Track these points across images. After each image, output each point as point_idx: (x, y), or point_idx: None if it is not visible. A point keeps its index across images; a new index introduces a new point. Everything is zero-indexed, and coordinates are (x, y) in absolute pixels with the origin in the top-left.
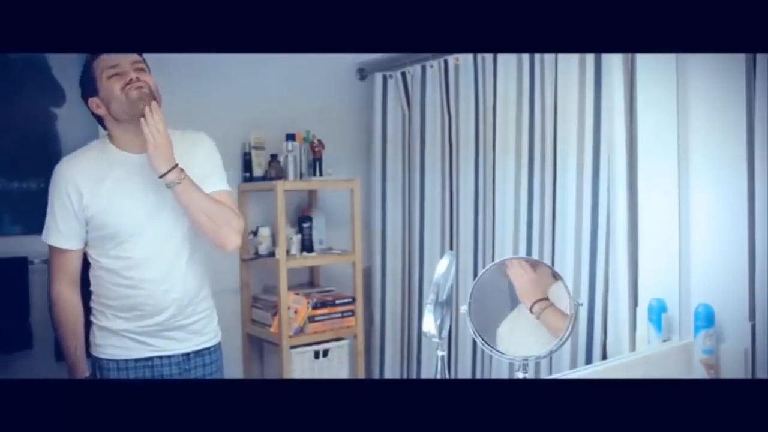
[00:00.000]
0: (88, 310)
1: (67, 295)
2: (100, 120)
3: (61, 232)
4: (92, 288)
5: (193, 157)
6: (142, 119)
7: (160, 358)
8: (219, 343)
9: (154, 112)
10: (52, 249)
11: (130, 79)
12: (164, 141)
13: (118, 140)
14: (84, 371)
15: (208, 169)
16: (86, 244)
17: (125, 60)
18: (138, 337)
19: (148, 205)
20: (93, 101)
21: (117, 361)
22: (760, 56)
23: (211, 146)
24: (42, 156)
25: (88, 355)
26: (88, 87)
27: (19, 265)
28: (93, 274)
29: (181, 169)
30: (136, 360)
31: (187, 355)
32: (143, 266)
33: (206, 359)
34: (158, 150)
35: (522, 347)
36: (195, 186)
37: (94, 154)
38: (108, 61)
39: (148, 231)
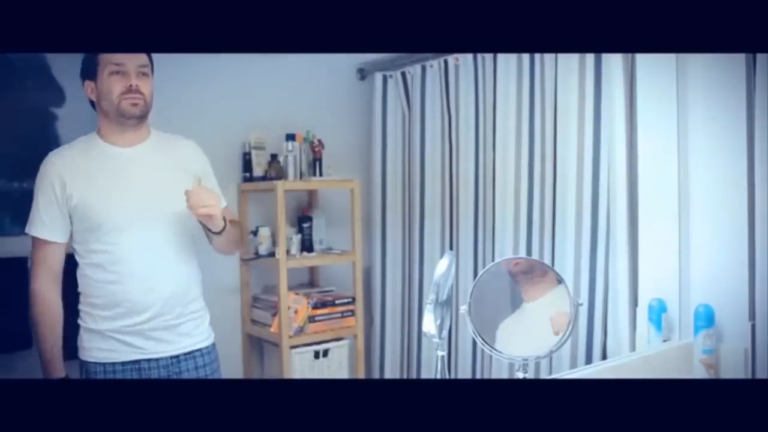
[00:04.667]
0: (76, 313)
1: (48, 292)
2: (92, 103)
3: (45, 223)
4: (79, 289)
5: (190, 166)
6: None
7: (148, 361)
8: (212, 345)
9: (193, 195)
10: (35, 242)
11: (130, 86)
12: (216, 203)
13: (105, 132)
14: (60, 371)
15: (210, 186)
16: (72, 239)
17: (131, 61)
18: (124, 338)
19: (131, 200)
20: (89, 85)
21: (104, 364)
22: (760, 56)
23: (206, 159)
24: (42, 156)
25: (75, 358)
26: (89, 70)
27: (19, 265)
28: (79, 273)
29: (224, 218)
30: (123, 363)
31: (177, 357)
32: (125, 261)
33: (198, 361)
34: (215, 215)
35: (522, 347)
36: (231, 224)
37: (81, 146)
38: (113, 56)
39: (130, 225)
